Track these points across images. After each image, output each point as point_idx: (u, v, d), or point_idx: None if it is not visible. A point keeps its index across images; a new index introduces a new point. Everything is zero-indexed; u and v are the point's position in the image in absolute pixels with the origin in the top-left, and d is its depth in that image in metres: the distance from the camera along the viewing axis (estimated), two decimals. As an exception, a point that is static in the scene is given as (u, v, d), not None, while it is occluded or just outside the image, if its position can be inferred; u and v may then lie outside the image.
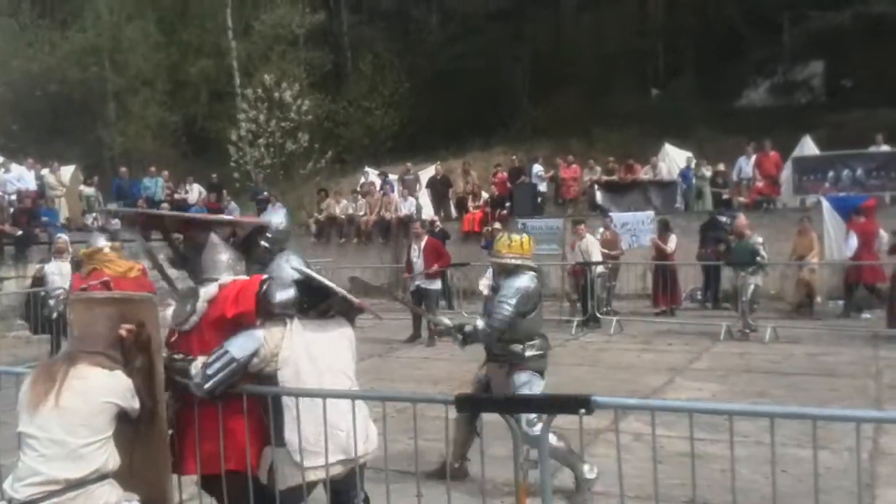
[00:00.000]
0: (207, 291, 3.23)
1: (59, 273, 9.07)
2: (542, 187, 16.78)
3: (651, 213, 14.02)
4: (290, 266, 3.18)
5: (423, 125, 23.83)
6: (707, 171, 15.86)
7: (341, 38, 28.59)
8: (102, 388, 2.81)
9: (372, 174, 19.07)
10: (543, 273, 5.03)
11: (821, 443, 2.83)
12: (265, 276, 3.19)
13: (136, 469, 3.02)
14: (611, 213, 13.95)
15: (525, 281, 4.56)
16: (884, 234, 11.27)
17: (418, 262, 10.49)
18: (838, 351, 8.99)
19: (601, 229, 12.71)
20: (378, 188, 17.89)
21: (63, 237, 9.78)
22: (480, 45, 25.60)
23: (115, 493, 2.83)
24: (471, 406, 3.31)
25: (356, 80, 27.00)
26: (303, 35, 26.44)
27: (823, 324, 10.86)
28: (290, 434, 3.01)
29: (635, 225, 13.69)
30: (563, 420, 2.81)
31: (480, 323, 4.52)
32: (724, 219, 12.99)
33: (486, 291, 4.96)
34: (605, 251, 12.12)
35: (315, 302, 3.15)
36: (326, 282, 3.13)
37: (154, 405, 3.02)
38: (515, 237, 4.78)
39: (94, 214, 16.63)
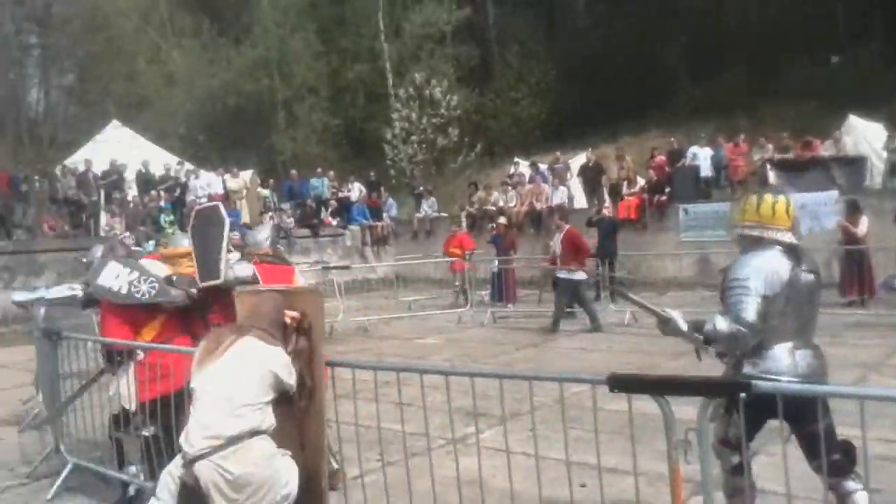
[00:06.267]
0: None
1: None
2: (707, 170, 15.57)
3: (835, 192, 12.64)
4: None
5: (571, 112, 23.10)
6: (902, 145, 13.99)
7: (487, 31, 28.62)
8: (263, 355, 3.08)
9: (522, 165, 18.90)
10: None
11: None
12: None
13: (297, 444, 3.30)
14: (787, 195, 12.63)
15: (767, 259, 3.05)
16: None
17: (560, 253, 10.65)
18: None
19: (777, 212, 11.51)
20: (528, 178, 17.66)
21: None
22: (631, 24, 24.38)
23: (271, 447, 3.05)
24: (622, 386, 2.81)
25: (503, 72, 26.98)
26: (450, 32, 26.80)
27: None
28: None
29: (816, 207, 12.64)
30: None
31: (722, 322, 2.96)
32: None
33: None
34: (782, 236, 10.97)
35: None
36: None
37: (314, 385, 3.36)
38: (767, 199, 3.24)
39: (269, 213, 17.93)
